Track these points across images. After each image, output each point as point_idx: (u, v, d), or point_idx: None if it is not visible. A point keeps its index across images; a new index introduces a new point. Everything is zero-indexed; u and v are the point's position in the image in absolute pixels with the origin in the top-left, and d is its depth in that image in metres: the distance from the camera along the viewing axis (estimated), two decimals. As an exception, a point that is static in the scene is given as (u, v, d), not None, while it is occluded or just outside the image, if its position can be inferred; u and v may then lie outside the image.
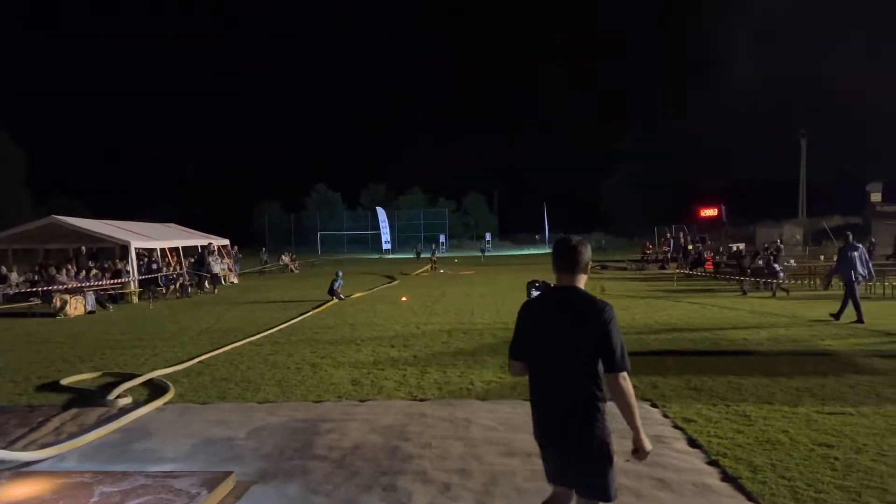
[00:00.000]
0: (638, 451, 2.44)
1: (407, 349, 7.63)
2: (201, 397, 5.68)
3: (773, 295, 12.91)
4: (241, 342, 8.35)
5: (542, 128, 74.53)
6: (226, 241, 21.19)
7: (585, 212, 60.74)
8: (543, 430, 2.53)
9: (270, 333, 9.09)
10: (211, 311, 12.36)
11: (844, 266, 8.79)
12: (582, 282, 2.55)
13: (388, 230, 52.18)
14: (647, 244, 26.43)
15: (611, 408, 2.48)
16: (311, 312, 11.28)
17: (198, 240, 19.57)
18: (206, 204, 60.27)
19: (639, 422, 2.41)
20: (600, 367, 2.42)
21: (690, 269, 17.70)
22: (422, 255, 38.79)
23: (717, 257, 17.23)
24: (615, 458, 2.45)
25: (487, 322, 9.79)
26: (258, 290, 17.02)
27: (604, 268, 23.70)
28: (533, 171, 69.96)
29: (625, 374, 2.39)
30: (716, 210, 30.26)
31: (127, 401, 5.45)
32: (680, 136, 53.42)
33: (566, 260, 2.54)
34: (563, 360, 2.45)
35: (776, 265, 13.42)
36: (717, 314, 10.09)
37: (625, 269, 22.34)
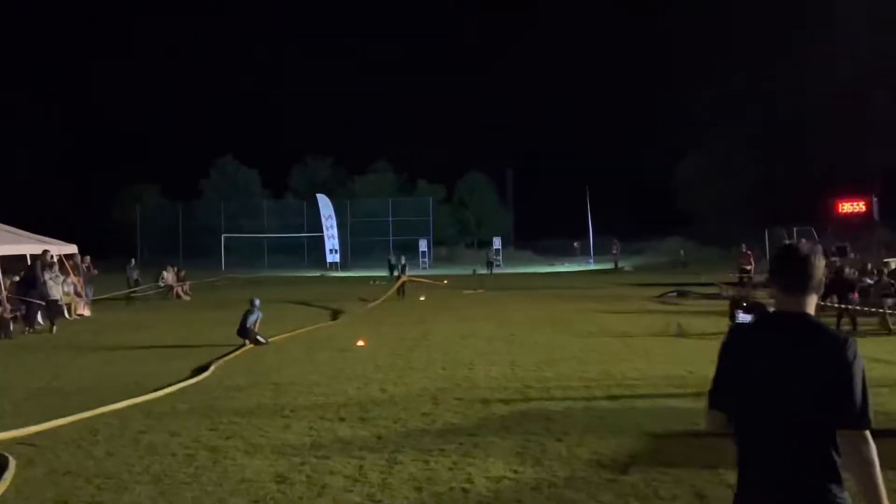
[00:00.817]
0: None
1: (365, 425, 7.68)
2: (30, 501, 5.65)
3: (889, 332, 13.98)
4: (95, 412, 8.32)
5: (582, 74, 75.10)
6: (72, 249, 21.12)
7: (652, 206, 61.45)
8: None
9: (144, 400, 9.07)
10: (47, 360, 12.34)
11: None
12: (812, 305, 2.75)
13: (335, 231, 52.41)
14: (747, 254, 26.54)
15: None
16: (211, 368, 11.27)
17: (26, 245, 19.48)
18: (39, 187, 59.92)
19: (885, 501, 2.55)
20: None
21: (822, 300, 17.81)
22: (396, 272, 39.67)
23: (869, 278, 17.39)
24: None
25: (496, 381, 9.87)
26: (124, 329, 17.03)
27: (681, 294, 23.97)
28: (568, 141, 70.59)
29: (867, 433, 2.57)
30: (863, 204, 30.65)
31: None
32: (797, 88, 53.75)
33: (795, 275, 2.74)
34: (788, 413, 2.62)
35: None
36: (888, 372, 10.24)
37: (718, 296, 22.54)
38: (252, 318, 13.75)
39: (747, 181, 54.98)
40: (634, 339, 13.72)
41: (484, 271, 42.31)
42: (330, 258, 51.41)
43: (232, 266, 50.11)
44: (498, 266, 46.76)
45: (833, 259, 23.31)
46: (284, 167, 67.65)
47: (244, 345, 13.37)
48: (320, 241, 53.55)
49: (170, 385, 9.85)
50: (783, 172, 52.41)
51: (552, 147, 71.50)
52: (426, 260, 51.70)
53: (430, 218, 57.83)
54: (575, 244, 58.42)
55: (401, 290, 25.20)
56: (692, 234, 55.35)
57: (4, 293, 16.77)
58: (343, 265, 51.86)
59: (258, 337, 13.72)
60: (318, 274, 45.89)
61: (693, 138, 59.46)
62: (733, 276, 25.93)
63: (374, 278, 35.01)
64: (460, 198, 68.10)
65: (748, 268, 25.44)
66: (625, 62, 73.06)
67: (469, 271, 42.08)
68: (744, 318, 2.84)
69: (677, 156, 61.35)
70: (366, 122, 72.52)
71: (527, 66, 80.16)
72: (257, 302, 14.12)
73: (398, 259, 40.83)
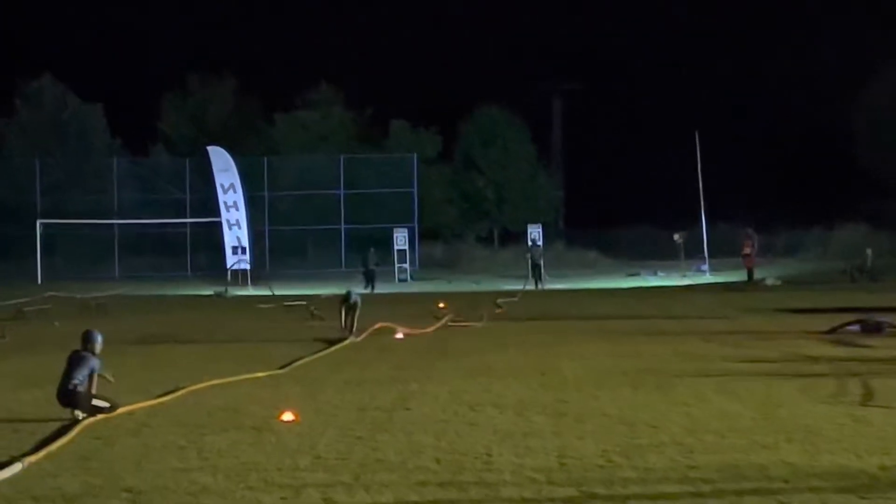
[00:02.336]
0: None
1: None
2: None
3: None
4: None
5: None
6: None
7: (812, 170, 61.07)
8: None
9: None
10: None
11: None
12: None
13: (242, 214, 51.73)
14: None
15: None
16: (20, 463, 11.15)
17: None
18: None
19: None
20: None
21: None
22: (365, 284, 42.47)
23: None
24: None
25: (532, 484, 9.77)
26: None
27: (870, 329, 23.86)
28: (659, 49, 70.52)
29: None
30: None
31: None
32: None
33: None
34: None
35: None
36: None
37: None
38: (84, 372, 13.60)
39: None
40: (783, 409, 13.68)
41: (524, 286, 42.32)
42: (233, 262, 51.22)
43: (57, 276, 49.92)
44: (543, 271, 46.68)
45: None
46: (150, 99, 67.49)
47: (76, 419, 13.24)
48: (215, 233, 53.37)
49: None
50: None
51: (634, 58, 71.49)
52: (406, 265, 51.54)
53: (415, 190, 57.80)
54: (676, 237, 58.19)
55: (350, 324, 24.77)
56: (887, 221, 55.22)
57: None
58: (257, 276, 51.65)
59: (97, 402, 13.63)
60: (210, 292, 45.67)
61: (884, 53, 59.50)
62: None
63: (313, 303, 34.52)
64: (467, 153, 68.01)
65: None
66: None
67: (484, 284, 41.91)
68: None
69: (859, 79, 61.28)
70: (295, 18, 72.49)
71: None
72: (98, 339, 13.99)
73: (370, 256, 41.04)
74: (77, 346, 14.05)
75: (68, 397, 13.46)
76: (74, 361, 13.62)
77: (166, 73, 67.24)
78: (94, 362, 13.74)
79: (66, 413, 13.44)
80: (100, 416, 13.42)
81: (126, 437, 12.57)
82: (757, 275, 46.05)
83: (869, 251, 47.30)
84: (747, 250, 47.27)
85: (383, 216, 55.36)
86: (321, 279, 46.38)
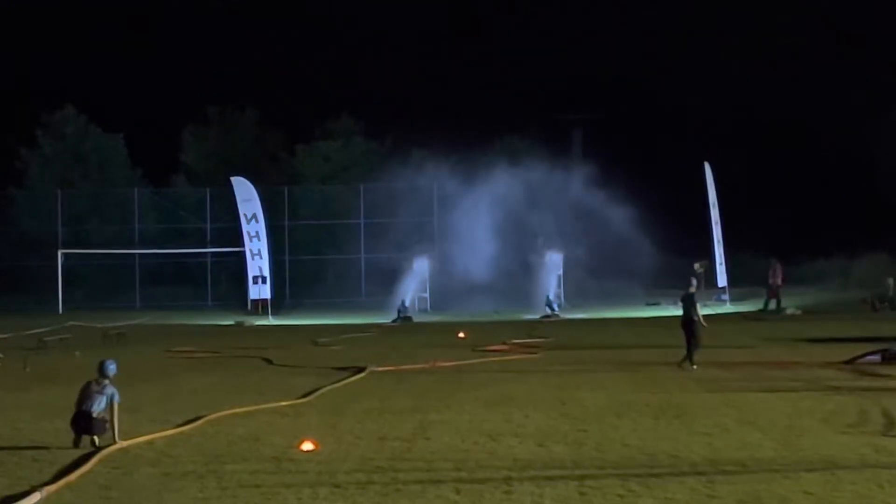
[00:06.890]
0: None
1: None
2: None
3: None
4: None
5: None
6: None
7: (832, 198, 61.01)
8: None
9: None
10: None
11: None
12: None
13: (264, 244, 51.78)
14: None
15: None
16: (38, 493, 11.15)
17: None
18: None
19: None
20: None
21: None
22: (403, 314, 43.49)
23: None
24: None
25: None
26: None
27: (892, 358, 23.73)
28: (677, 79, 70.60)
29: None
30: None
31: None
32: None
33: None
34: None
35: None
36: None
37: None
38: (103, 400, 13.68)
39: None
40: (804, 439, 13.65)
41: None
42: (255, 292, 51.18)
43: (78, 306, 49.96)
44: (557, 308, 46.79)
45: None
46: (170, 130, 67.61)
47: (96, 448, 13.30)
48: (235, 263, 53.39)
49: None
50: None
51: (652, 88, 71.53)
52: (427, 295, 51.41)
53: (435, 219, 57.64)
54: (696, 266, 57.73)
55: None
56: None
57: None
58: (279, 306, 51.62)
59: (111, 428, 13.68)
60: (230, 322, 45.72)
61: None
62: None
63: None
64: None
65: None
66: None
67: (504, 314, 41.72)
68: None
69: (881, 108, 61.19)
70: (315, 50, 72.68)
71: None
72: (111, 368, 14.05)
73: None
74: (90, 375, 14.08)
75: (88, 423, 13.52)
76: (90, 390, 13.70)
77: (187, 103, 67.45)
78: (112, 392, 13.79)
79: (85, 441, 13.48)
80: (117, 447, 13.44)
81: (146, 466, 12.60)
82: (781, 304, 45.76)
83: (890, 280, 46.96)
84: (776, 279, 46.99)
85: (404, 245, 55.29)
86: (341, 309, 46.22)
